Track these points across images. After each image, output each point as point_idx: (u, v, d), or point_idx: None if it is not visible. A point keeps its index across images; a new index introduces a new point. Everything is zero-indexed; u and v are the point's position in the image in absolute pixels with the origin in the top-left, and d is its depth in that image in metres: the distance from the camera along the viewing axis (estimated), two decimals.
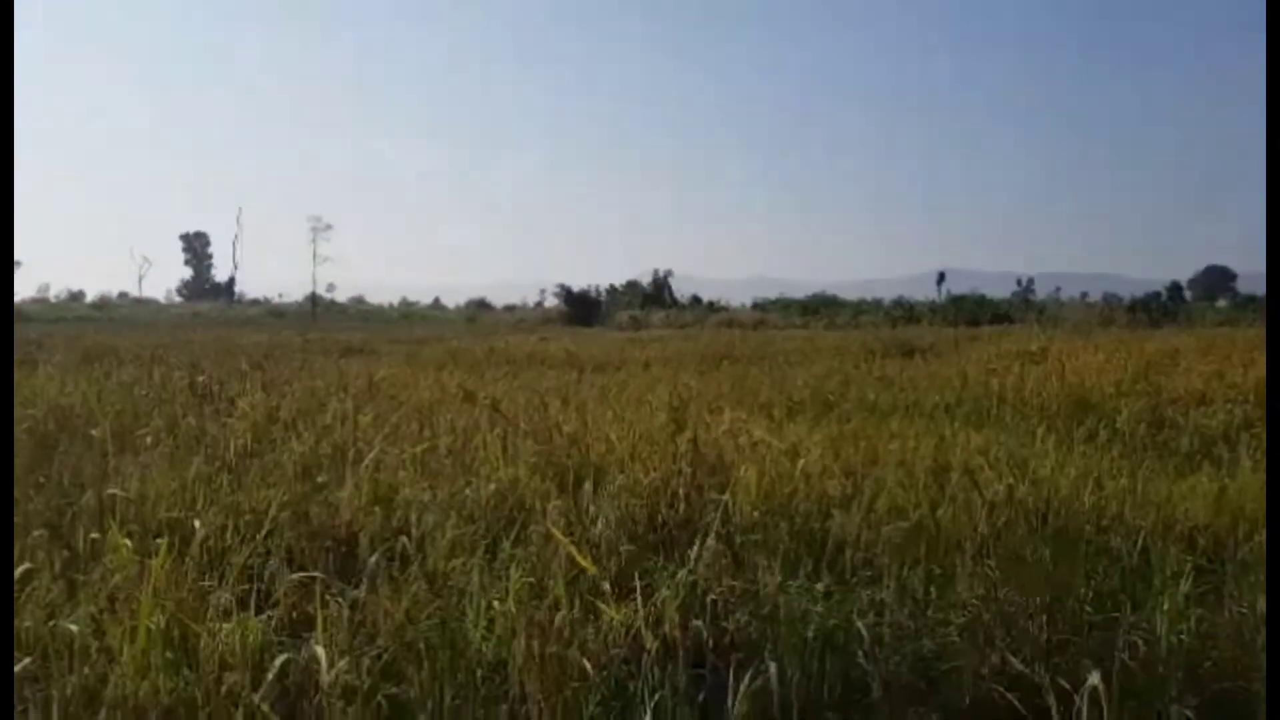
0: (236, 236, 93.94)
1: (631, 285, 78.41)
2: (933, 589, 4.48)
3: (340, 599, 3.61)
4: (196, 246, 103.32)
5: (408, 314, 79.06)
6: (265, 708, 2.98)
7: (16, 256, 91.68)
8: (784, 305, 71.54)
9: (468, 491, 5.25)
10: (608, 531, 4.55)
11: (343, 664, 3.12)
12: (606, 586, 3.92)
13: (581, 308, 63.76)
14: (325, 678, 3.01)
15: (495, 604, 3.64)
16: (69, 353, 16.21)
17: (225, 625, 3.35)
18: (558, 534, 4.05)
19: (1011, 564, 4.64)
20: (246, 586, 3.93)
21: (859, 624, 3.90)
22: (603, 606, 3.73)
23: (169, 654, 3.23)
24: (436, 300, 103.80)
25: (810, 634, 3.86)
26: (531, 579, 3.90)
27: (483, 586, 3.77)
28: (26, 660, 3.34)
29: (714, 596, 3.92)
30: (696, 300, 75.85)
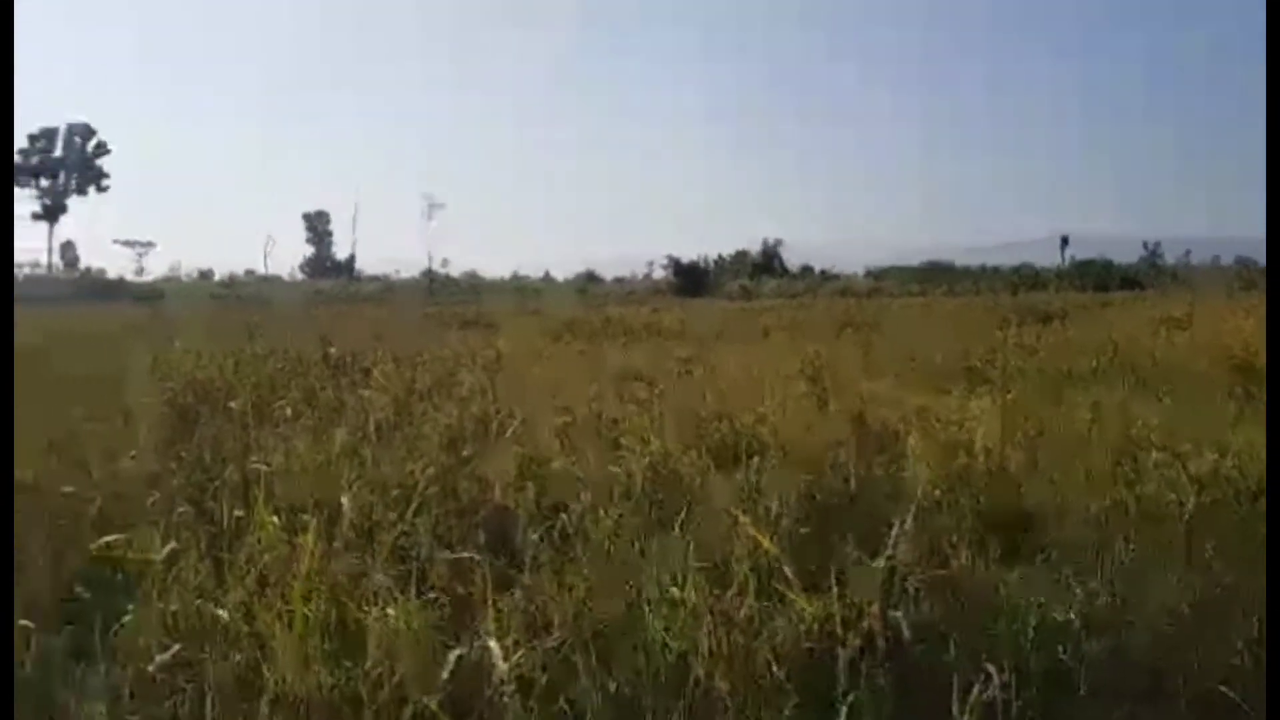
0: (355, 215, 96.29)
1: (741, 255, 77.53)
2: (1144, 572, 3.96)
3: (509, 585, 3.30)
4: (318, 225, 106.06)
5: (519, 287, 79.77)
6: (434, 705, 2.68)
7: (150, 237, 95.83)
8: (898, 272, 69.72)
9: (616, 467, 4.91)
10: (783, 510, 4.14)
11: (516, 656, 2.80)
12: (789, 572, 3.52)
13: (691, 279, 63.22)
14: (500, 671, 2.69)
15: (674, 590, 3.27)
16: (202, 327, 16.55)
17: (386, 612, 3.06)
18: (737, 513, 3.66)
19: (1230, 545, 4.10)
20: (400, 567, 3.66)
21: (1068, 613, 3.45)
22: (791, 594, 3.33)
23: (328, 644, 2.95)
24: (546, 274, 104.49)
25: (1017, 625, 3.42)
26: (707, 563, 3.53)
27: (657, 571, 3.40)
28: (176, 646, 3.14)
29: (914, 585, 3.48)
30: (808, 269, 74.59)
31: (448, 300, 46.01)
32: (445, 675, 2.66)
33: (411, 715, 2.72)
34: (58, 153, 75.66)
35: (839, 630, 3.20)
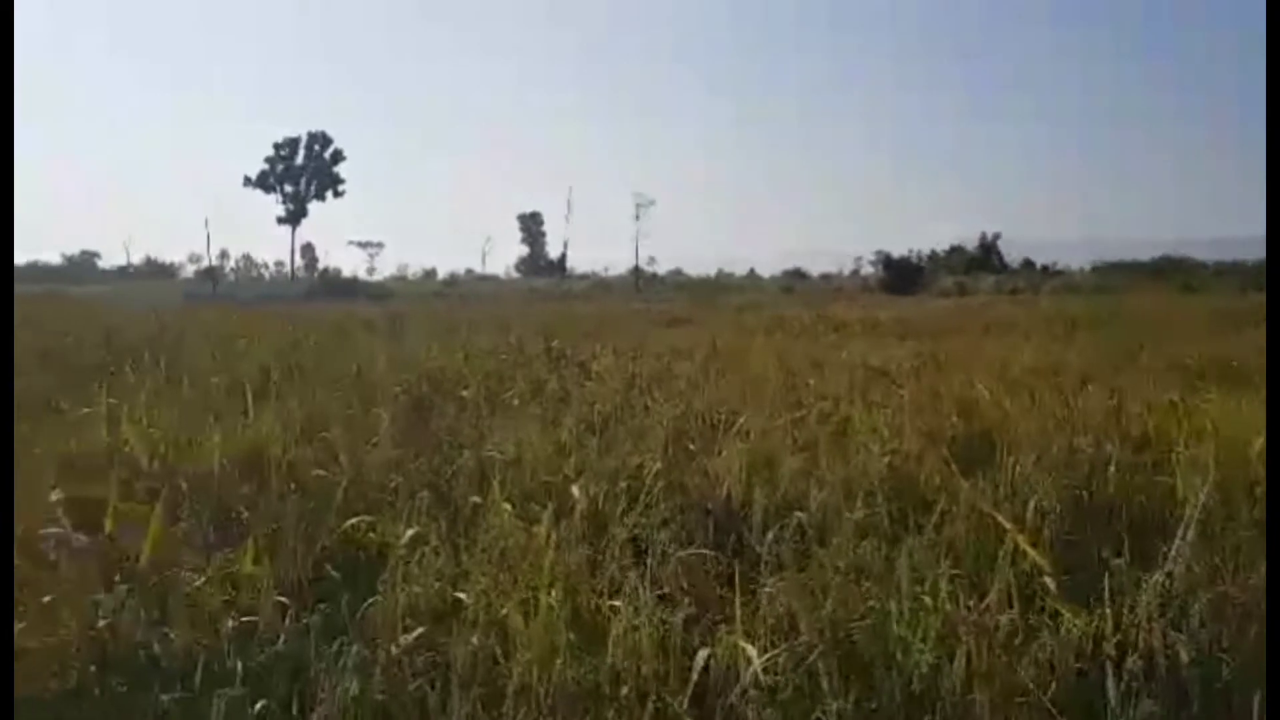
0: (567, 215, 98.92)
1: (956, 250, 74.49)
2: None
3: (744, 584, 3.15)
4: (531, 226, 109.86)
5: (725, 284, 79.81)
6: (677, 705, 2.58)
7: (379, 238, 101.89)
8: (1126, 268, 65.07)
9: (851, 466, 4.69)
10: (1042, 515, 3.82)
11: (759, 661, 2.65)
12: (1050, 582, 3.22)
13: (902, 275, 61.18)
14: (747, 677, 2.55)
15: (925, 599, 3.04)
16: (430, 322, 17.33)
17: (626, 606, 2.98)
18: (996, 516, 3.38)
19: None
20: (633, 560, 3.60)
21: None
22: (1060, 608, 3.03)
23: (571, 635, 2.90)
24: (752, 271, 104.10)
25: None
26: (958, 571, 3.27)
27: (905, 575, 3.18)
28: (420, 629, 3.18)
29: (1200, 605, 3.10)
30: (1028, 264, 70.79)
31: (654, 297, 46.54)
32: (694, 676, 2.53)
33: (654, 713, 2.63)
34: (299, 161, 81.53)
35: (1110, 649, 2.90)
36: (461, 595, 3.32)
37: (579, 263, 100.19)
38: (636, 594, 3.11)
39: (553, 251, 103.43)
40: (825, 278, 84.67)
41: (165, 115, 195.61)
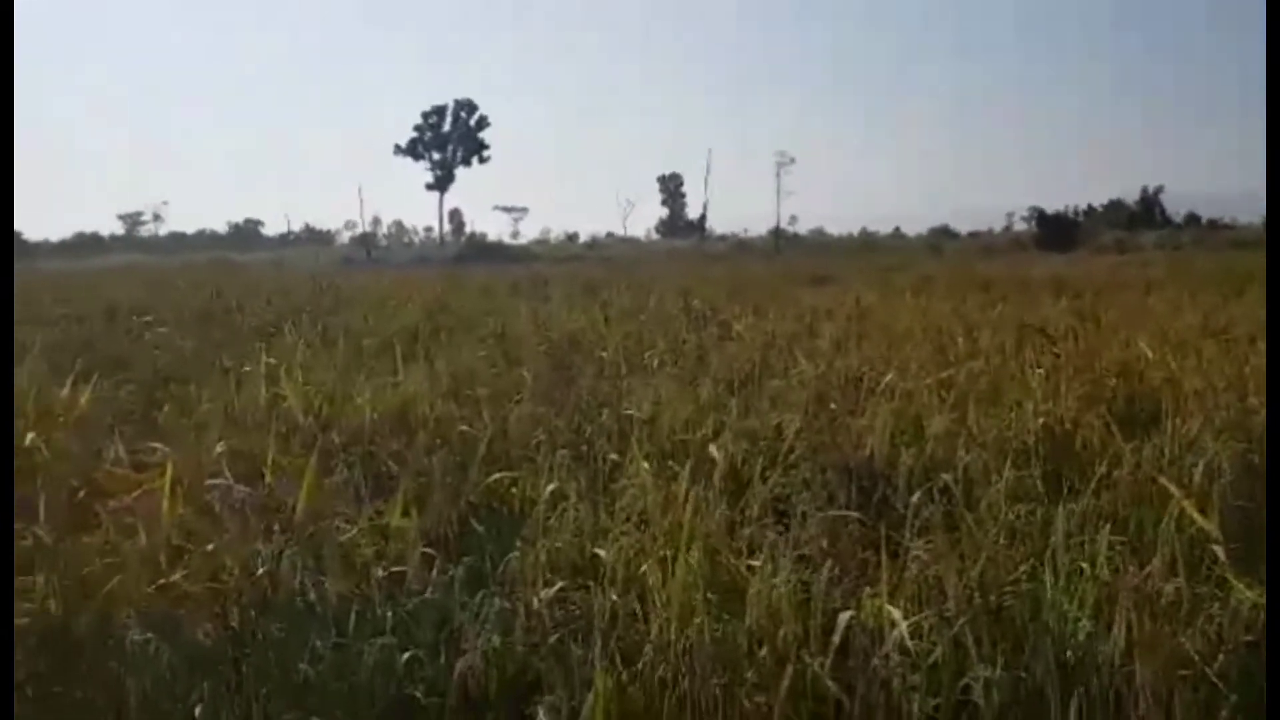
0: (707, 176, 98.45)
1: (1114, 205, 70.72)
2: None
3: (888, 547, 3.06)
4: (671, 187, 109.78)
5: (869, 244, 78.05)
6: (817, 666, 2.52)
7: (522, 203, 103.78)
8: None
9: (1002, 426, 4.50)
10: (1213, 481, 3.57)
11: (904, 625, 2.56)
12: (1220, 552, 3.01)
13: (1057, 231, 58.35)
14: (891, 641, 2.47)
15: (1083, 565, 2.88)
16: (571, 284, 17.54)
17: (766, 566, 2.93)
18: (1163, 481, 3.18)
19: None
20: (773, 521, 3.54)
21: None
22: (1228, 578, 2.83)
23: (710, 595, 2.87)
24: (897, 229, 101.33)
25: None
26: (1119, 537, 3.09)
27: (1062, 541, 3.02)
28: (560, 583, 3.21)
29: None
30: (1194, 219, 66.59)
31: (795, 257, 45.86)
32: (836, 639, 2.46)
33: (793, 675, 2.58)
34: (446, 128, 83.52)
35: None
36: (600, 551, 3.33)
37: (719, 223, 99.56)
38: (776, 554, 3.06)
39: (692, 213, 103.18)
40: (974, 235, 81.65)
41: (320, 87, 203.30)
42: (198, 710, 2.73)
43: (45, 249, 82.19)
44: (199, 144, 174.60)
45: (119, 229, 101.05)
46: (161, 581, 3.22)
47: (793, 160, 78.43)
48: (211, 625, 3.15)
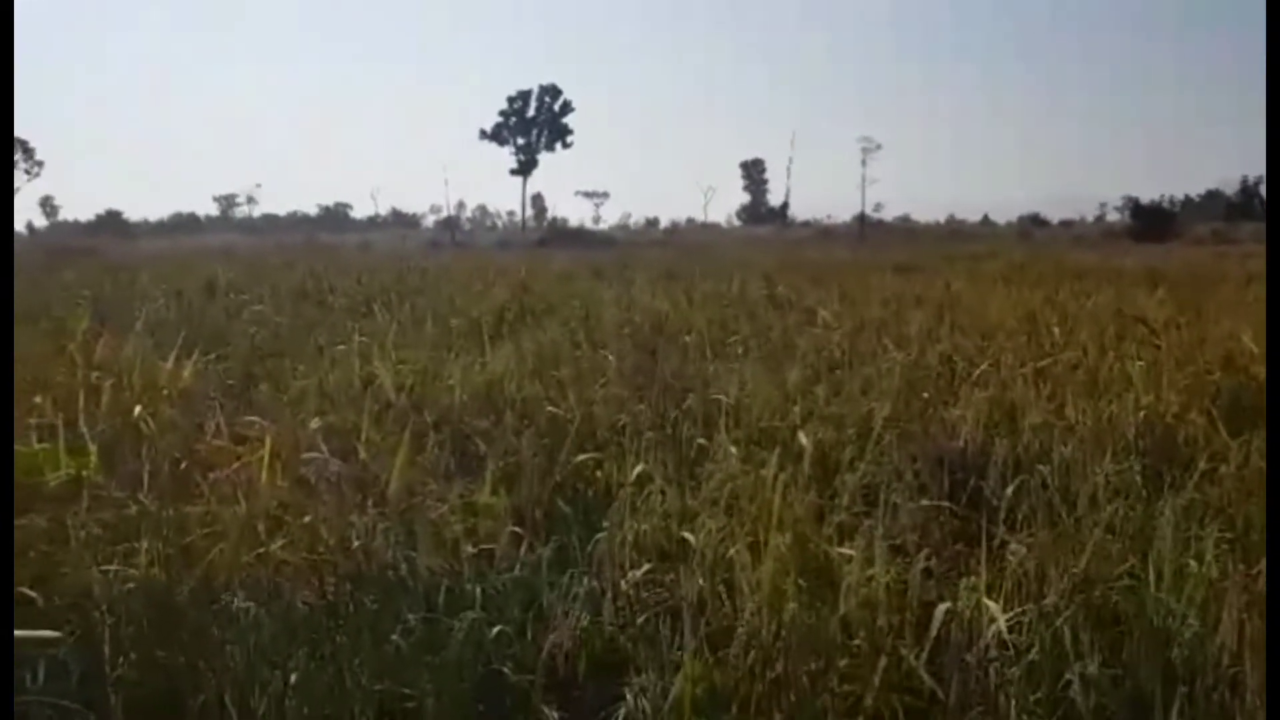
0: (790, 162, 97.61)
1: (1212, 195, 68.22)
2: None
3: (980, 538, 2.99)
4: (754, 173, 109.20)
5: (955, 232, 76.49)
6: (912, 658, 2.48)
7: (604, 188, 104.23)
8: None
9: (1099, 420, 4.36)
10: None
11: (1003, 619, 2.50)
12: None
13: (1151, 222, 56.41)
14: (989, 635, 2.42)
15: (1192, 562, 2.78)
16: (652, 269, 17.53)
17: (863, 555, 2.88)
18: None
19: None
20: (863, 509, 3.49)
21: None
22: None
23: (801, 582, 2.84)
24: (985, 217, 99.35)
25: None
26: (1226, 534, 2.98)
27: (1167, 537, 2.92)
28: (647, 565, 3.22)
29: None
30: None
31: (879, 245, 45.15)
32: (934, 630, 2.42)
33: (885, 667, 2.54)
34: (530, 113, 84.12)
35: None
36: (687, 535, 3.32)
37: (802, 210, 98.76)
38: (869, 543, 3.01)
39: (774, 199, 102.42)
40: (1066, 225, 79.55)
41: (408, 72, 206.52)
42: (293, 677, 2.80)
43: (145, 229, 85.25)
44: (292, 128, 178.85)
45: (214, 210, 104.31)
46: (260, 551, 3.30)
47: (879, 146, 77.36)
48: (309, 594, 3.22)
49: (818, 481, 3.82)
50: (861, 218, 76.76)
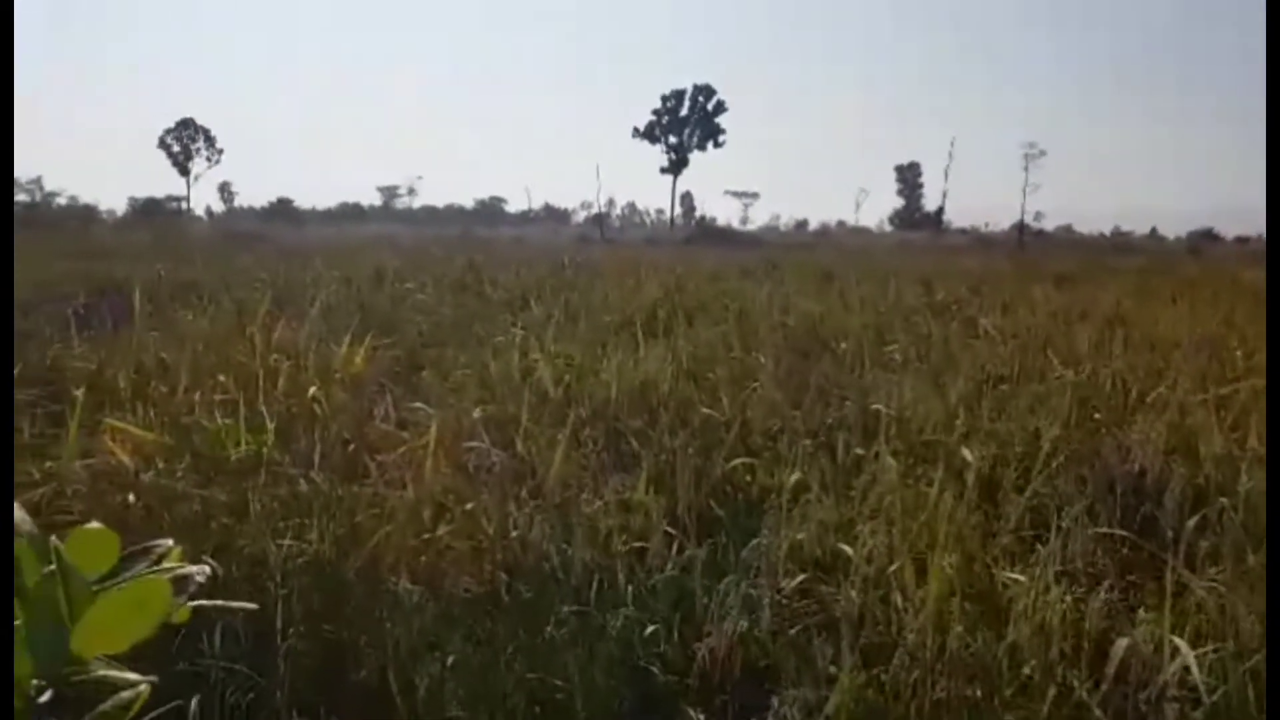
0: (948, 166, 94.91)
1: None
2: None
3: (1157, 570, 2.83)
4: (909, 177, 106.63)
5: (1121, 244, 72.87)
6: (1084, 692, 2.37)
7: (754, 188, 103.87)
8: None
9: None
10: None
11: (1192, 657, 2.36)
12: None
13: None
14: (1170, 672, 2.29)
15: None
16: (803, 271, 17.31)
17: (1037, 581, 2.77)
18: None
19: None
20: (1030, 533, 3.35)
21: None
22: None
23: (967, 605, 2.75)
24: (1153, 230, 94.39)
25: None
26: None
27: None
28: (802, 575, 3.18)
29: None
30: None
31: (1039, 255, 43.37)
32: (1113, 666, 2.30)
33: (1054, 698, 2.43)
34: (683, 112, 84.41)
35: None
36: (845, 547, 3.26)
37: (958, 216, 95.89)
38: (1038, 567, 2.90)
39: (930, 204, 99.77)
40: (1241, 241, 74.67)
41: (565, 71, 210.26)
42: (450, 659, 2.88)
43: (313, 216, 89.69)
44: (454, 123, 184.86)
45: (377, 200, 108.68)
46: (426, 536, 3.41)
47: (1042, 153, 74.31)
48: (470, 580, 3.31)
49: (983, 501, 3.70)
50: (1021, 226, 74.02)
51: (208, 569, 0.84)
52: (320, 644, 3.03)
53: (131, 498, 3.64)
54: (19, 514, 0.83)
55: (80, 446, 3.95)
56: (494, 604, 3.23)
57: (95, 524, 0.78)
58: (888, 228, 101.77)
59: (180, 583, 0.83)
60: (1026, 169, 73.88)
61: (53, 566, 0.75)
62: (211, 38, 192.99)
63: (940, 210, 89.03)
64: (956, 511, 3.27)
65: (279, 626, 3.00)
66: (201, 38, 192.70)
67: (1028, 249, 55.21)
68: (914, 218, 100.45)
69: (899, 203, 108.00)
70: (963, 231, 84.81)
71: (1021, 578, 2.84)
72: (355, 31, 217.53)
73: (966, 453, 3.83)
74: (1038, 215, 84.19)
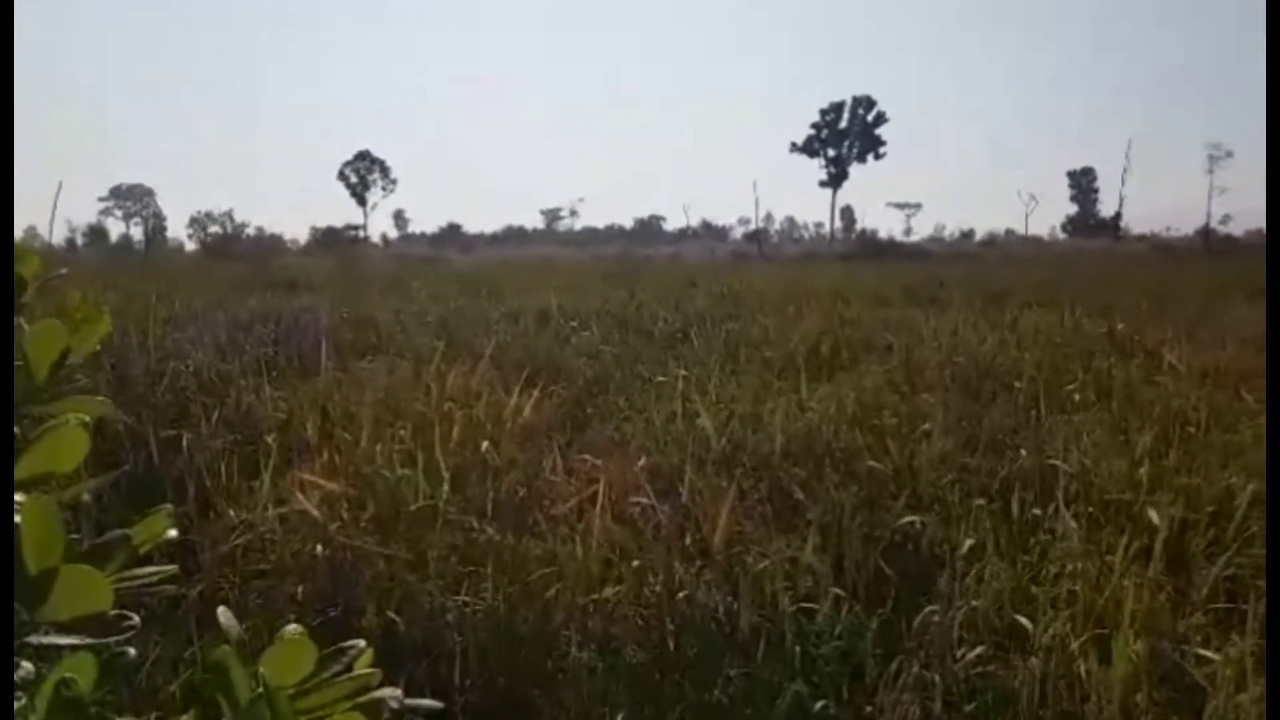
0: (1125, 170, 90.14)
1: None
2: None
3: None
4: (1083, 183, 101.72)
5: None
6: None
7: (917, 199, 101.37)
8: None
9: None
10: None
11: None
12: None
13: None
14: None
15: None
16: (970, 288, 16.71)
17: (1224, 664, 2.61)
18: None
19: None
20: (1224, 605, 3.15)
21: None
22: None
23: (1155, 695, 2.62)
24: None
25: None
26: None
27: None
28: (980, 648, 3.08)
29: None
30: None
31: (1229, 262, 40.48)
32: None
33: None
34: (843, 125, 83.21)
35: None
36: (1023, 620, 3.14)
37: (1135, 222, 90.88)
38: (1234, 648, 2.72)
39: (1106, 210, 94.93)
40: None
41: (722, 86, 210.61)
42: (620, 717, 2.93)
43: (482, 240, 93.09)
44: (614, 146, 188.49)
45: (540, 223, 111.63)
46: (595, 597, 3.47)
47: (1229, 154, 69.61)
48: (638, 640, 3.35)
49: (1171, 568, 3.49)
50: (1206, 232, 69.56)
51: (400, 694, 0.87)
52: (495, 696, 3.13)
53: (319, 548, 3.85)
54: (225, 618, 0.88)
55: (273, 494, 4.21)
56: (662, 662, 3.27)
57: (296, 628, 0.83)
58: (1060, 235, 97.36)
59: (372, 708, 0.86)
60: (1211, 171, 69.40)
61: (260, 690, 0.79)
62: (389, 73, 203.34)
63: (1117, 216, 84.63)
64: (1143, 588, 3.10)
65: (456, 682, 3.13)
66: (379, 74, 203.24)
67: (1214, 255, 51.80)
68: (1088, 224, 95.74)
69: (1072, 209, 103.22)
70: (1141, 238, 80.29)
71: (1216, 656, 2.67)
72: (518, 65, 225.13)
73: (1153, 514, 3.63)
74: (1225, 219, 78.95)
